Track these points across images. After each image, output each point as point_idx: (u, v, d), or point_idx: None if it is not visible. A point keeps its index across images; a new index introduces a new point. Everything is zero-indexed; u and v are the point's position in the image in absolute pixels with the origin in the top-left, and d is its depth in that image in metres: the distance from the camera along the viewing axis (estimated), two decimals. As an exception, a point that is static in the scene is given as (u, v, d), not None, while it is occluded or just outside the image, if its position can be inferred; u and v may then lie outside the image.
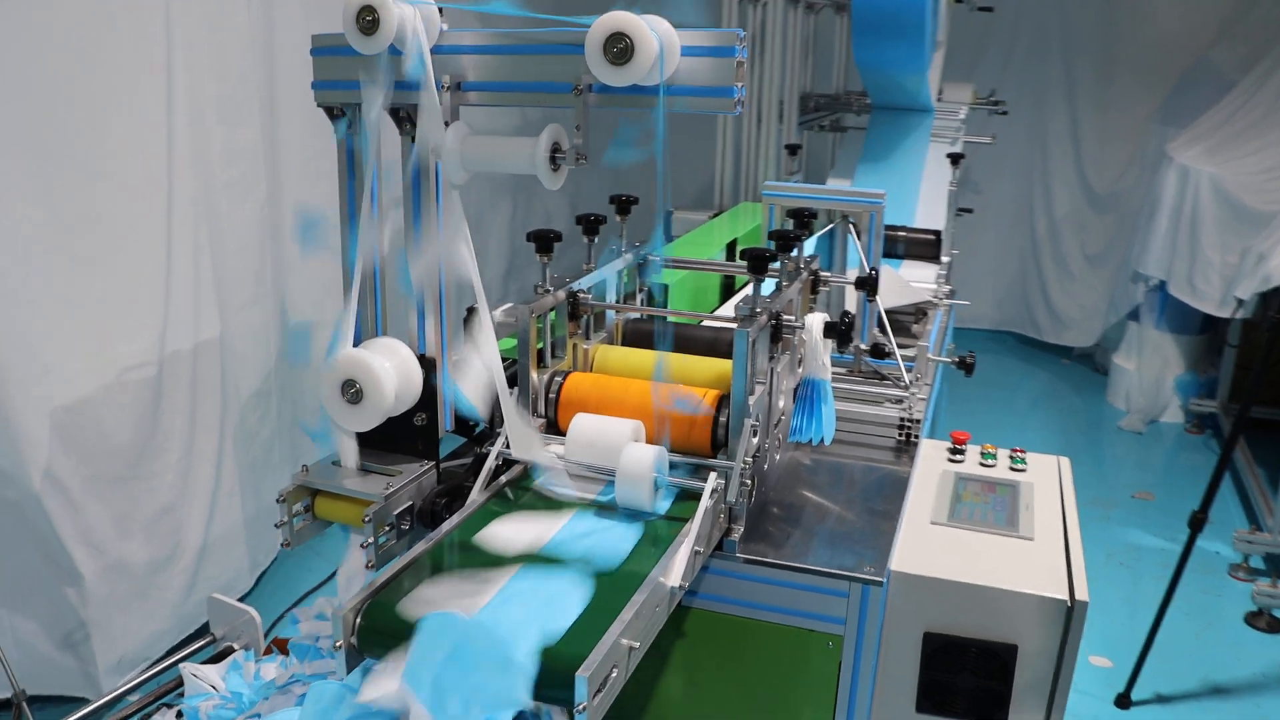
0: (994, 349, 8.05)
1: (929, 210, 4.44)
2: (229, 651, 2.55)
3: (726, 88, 1.64)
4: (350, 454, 2.01)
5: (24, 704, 2.39)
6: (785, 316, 2.11)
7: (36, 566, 3.19)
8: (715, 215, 4.32)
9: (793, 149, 4.46)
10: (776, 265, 2.27)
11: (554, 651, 1.49)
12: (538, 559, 1.74)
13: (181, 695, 2.29)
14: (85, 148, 3.14)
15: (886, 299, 3.35)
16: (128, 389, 3.28)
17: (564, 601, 1.60)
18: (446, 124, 1.77)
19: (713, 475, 1.90)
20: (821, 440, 2.24)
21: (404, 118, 1.87)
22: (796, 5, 5.05)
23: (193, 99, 3.47)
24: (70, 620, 3.25)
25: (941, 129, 5.12)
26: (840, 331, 2.11)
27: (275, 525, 1.99)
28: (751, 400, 2.00)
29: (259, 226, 3.77)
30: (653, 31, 1.60)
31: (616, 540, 1.81)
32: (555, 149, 1.76)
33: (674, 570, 1.74)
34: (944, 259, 4.07)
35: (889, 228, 4.12)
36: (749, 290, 2.04)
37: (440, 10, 1.77)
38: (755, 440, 2.05)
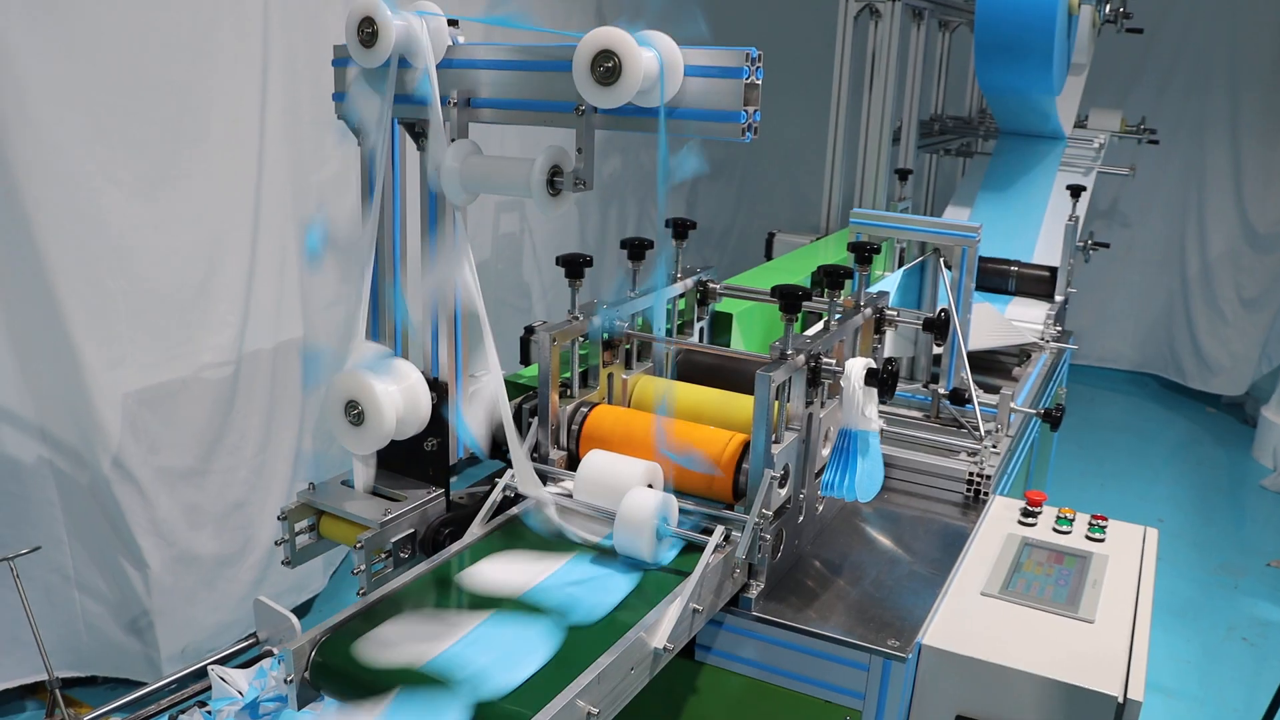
0: (1133, 392, 7.57)
1: (1050, 245, 4.16)
2: (269, 655, 2.54)
3: (733, 112, 1.50)
4: (361, 475, 1.96)
5: (56, 690, 2.43)
6: (825, 360, 1.96)
7: (107, 551, 3.27)
8: (818, 239, 4.15)
9: (903, 174, 4.25)
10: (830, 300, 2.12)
11: (495, 709, 1.39)
12: (514, 604, 1.64)
13: (217, 696, 2.29)
14: (181, 144, 3.21)
15: (981, 339, 3.13)
16: (204, 384, 3.34)
17: (525, 654, 1.50)
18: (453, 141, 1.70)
19: (719, 528, 1.77)
20: (856, 499, 2.07)
21: (419, 133, 1.80)
22: (921, 22, 4.81)
23: (287, 100, 3.51)
24: (135, 607, 3.31)
25: (1074, 158, 4.81)
26: (881, 380, 1.94)
27: (275, 543, 1.95)
28: (778, 449, 1.85)
29: (347, 228, 3.79)
30: (651, 49, 1.47)
31: (605, 591, 1.69)
32: (555, 172, 1.65)
33: (660, 629, 1.61)
34: (1058, 298, 3.80)
35: (1000, 262, 3.88)
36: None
37: (454, 23, 1.69)
38: (783, 492, 1.91)
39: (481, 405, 1.90)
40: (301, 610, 4.01)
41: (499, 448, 2.13)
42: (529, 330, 2.49)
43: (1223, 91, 7.08)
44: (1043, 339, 3.47)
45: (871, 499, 2.12)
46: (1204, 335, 7.30)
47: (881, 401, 1.99)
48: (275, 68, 3.44)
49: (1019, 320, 3.55)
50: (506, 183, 1.68)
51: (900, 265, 3.23)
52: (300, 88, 3.57)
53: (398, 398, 1.85)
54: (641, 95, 1.48)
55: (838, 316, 2.12)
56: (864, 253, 2.24)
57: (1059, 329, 3.65)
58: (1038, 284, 3.83)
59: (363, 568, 1.81)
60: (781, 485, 1.89)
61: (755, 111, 1.50)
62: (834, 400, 2.07)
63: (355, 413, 1.83)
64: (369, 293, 1.88)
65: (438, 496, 1.97)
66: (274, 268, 3.55)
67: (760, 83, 1.50)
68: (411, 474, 2.01)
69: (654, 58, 1.46)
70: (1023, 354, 3.45)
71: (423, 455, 1.98)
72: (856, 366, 1.96)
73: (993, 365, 3.37)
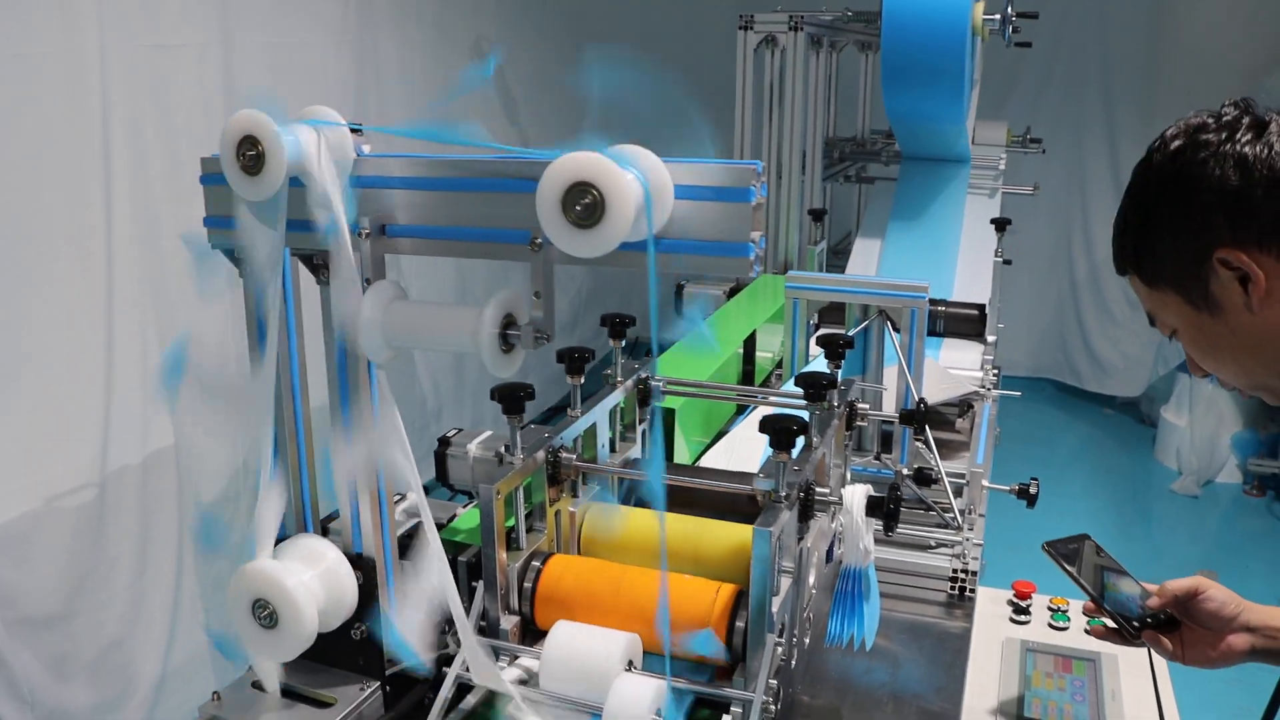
0: (1030, 397, 7.52)
1: (970, 276, 4.01)
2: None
3: (739, 244, 1.20)
4: (270, 676, 1.60)
5: None
6: (819, 489, 1.69)
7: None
8: (732, 290, 3.90)
9: (817, 214, 4.03)
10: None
11: None
12: None
13: None
14: (5, 234, 2.74)
15: (927, 396, 2.92)
16: (62, 515, 2.87)
17: None
18: (368, 282, 1.36)
19: (727, 721, 1.47)
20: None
21: (319, 265, 1.45)
22: (819, 48, 4.60)
23: (135, 176, 3.07)
24: (-2, 784, 2.84)
25: (978, 179, 4.69)
26: (888, 511, 1.68)
27: (174, 777, 1.57)
28: (777, 602, 1.57)
29: (220, 316, 3.36)
30: (634, 171, 1.16)
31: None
32: (508, 323, 1.33)
33: None
34: (989, 337, 3.62)
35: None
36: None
37: (357, 130, 1.35)
38: (782, 649, 1.63)
39: (421, 589, 1.55)
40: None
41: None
42: (444, 443, 2.15)
43: (1097, 97, 7.16)
44: (984, 386, 3.28)
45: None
46: (1096, 338, 7.35)
47: (886, 534, 1.72)
48: (117, 137, 3.00)
49: (954, 367, 3.36)
50: (445, 336, 1.34)
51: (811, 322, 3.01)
52: (151, 159, 3.13)
53: (315, 587, 1.51)
54: (622, 232, 1.17)
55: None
56: (836, 348, 1.98)
57: (996, 372, 3.47)
58: (967, 324, 3.65)
59: (290, 809, 1.46)
60: (781, 646, 1.61)
61: (761, 237, 1.20)
62: (815, 522, 1.80)
63: (266, 613, 1.47)
64: (270, 461, 1.51)
65: (374, 692, 1.62)
66: (135, 367, 3.11)
67: (765, 200, 1.21)
68: (337, 664, 1.66)
69: (638, 185, 1.15)
70: (963, 404, 3.26)
71: (349, 642, 1.63)
72: (857, 496, 1.69)
73: (934, 419, 3.17)
